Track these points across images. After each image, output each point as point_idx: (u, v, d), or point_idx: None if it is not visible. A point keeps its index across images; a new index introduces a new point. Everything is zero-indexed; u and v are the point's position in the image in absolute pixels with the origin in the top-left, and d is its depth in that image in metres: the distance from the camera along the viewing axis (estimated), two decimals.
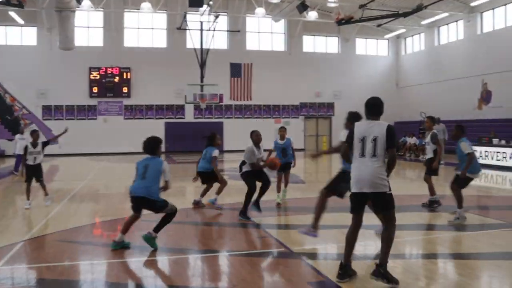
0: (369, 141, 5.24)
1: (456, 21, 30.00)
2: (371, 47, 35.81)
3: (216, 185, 10.18)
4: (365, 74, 34.79)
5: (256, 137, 9.12)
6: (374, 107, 5.65)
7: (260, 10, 28.39)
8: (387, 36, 34.94)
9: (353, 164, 5.37)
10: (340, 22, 25.81)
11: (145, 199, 6.68)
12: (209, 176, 10.08)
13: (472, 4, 27.01)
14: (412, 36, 34.73)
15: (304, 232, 6.76)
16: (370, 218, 5.95)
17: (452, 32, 30.80)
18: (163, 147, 29.83)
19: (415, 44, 34.75)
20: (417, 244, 7.24)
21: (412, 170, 19.85)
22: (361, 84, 34.16)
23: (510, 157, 18.87)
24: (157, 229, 6.78)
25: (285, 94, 32.98)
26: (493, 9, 27.11)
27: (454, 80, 29.36)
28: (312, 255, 6.48)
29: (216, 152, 9.93)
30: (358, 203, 5.30)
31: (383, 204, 5.23)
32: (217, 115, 32.39)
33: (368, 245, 6.97)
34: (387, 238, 5.23)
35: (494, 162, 19.43)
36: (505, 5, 26.05)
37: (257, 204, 8.98)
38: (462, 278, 5.45)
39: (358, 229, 5.40)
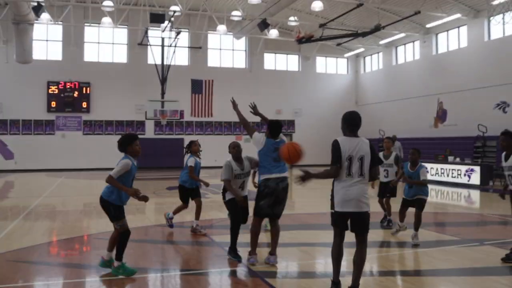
0: (356, 160, 5.13)
1: (413, 41, 30.87)
2: (331, 65, 36.44)
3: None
4: (325, 91, 35.37)
5: (233, 149, 7.45)
6: (357, 122, 5.33)
7: (221, 28, 28.54)
8: (346, 55, 35.65)
9: (338, 184, 5.27)
10: (300, 41, 26.11)
11: (101, 201, 6.24)
12: (187, 192, 9.22)
13: (428, 25, 27.86)
14: (370, 55, 35.51)
15: (249, 262, 6.67)
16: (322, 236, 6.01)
17: (409, 52, 31.66)
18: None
19: (373, 63, 35.53)
20: (375, 261, 7.34)
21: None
22: (321, 102, 34.78)
23: (465, 174, 19.43)
24: (118, 255, 6.20)
25: (246, 111, 33.02)
26: (447, 31, 28.02)
27: (411, 99, 30.12)
28: (271, 274, 6.47)
29: (191, 161, 9.09)
30: (342, 222, 5.22)
31: (363, 224, 5.18)
32: (178, 131, 32.22)
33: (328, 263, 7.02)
34: (360, 259, 5.19)
35: (449, 179, 19.96)
36: (458, 27, 26.98)
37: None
38: None
39: (342, 243, 5.30)
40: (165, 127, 31.40)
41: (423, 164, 8.47)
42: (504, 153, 7.17)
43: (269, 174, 6.65)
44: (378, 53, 34.56)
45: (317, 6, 24.50)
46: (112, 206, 6.13)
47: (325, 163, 32.15)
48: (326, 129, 34.37)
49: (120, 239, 6.20)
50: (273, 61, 34.83)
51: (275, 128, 6.96)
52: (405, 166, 8.74)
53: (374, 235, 9.12)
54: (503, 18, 23.10)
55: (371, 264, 7.20)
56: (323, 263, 6.92)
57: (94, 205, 13.74)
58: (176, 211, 9.39)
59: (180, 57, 31.04)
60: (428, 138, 27.82)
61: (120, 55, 31.43)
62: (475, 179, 19.02)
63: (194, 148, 9.22)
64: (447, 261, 7.04)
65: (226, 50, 33.64)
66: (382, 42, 31.56)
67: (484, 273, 6.58)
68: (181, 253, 8.07)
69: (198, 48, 32.24)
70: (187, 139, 31.94)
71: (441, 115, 28.11)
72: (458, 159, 20.88)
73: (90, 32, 30.82)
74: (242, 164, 7.29)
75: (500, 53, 24.27)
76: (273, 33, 29.58)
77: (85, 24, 30.10)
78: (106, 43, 31.24)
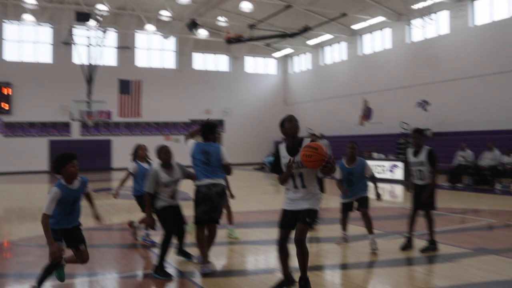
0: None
1: (339, 42, 31.70)
2: (260, 66, 36.80)
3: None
4: (254, 91, 35.70)
5: (164, 155, 6.76)
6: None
7: (150, 27, 28.15)
8: (275, 55, 36.11)
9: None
10: (229, 41, 26.21)
11: None
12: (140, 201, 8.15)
13: (353, 27, 28.71)
14: (299, 55, 36.14)
15: (203, 271, 6.26)
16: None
17: (336, 53, 32.49)
18: (46, 166, 28.32)
19: (302, 63, 36.18)
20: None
21: None
22: (251, 101, 35.08)
23: (389, 170, 20.16)
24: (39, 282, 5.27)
25: (175, 111, 32.87)
26: (371, 32, 28.99)
27: (338, 98, 30.94)
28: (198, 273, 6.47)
29: (132, 167, 8.27)
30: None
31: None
32: (105, 132, 31.48)
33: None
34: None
35: (387, 176, 20.52)
36: (381, 29, 27.97)
37: (183, 252, 7.01)
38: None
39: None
40: (91, 128, 30.60)
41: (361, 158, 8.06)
42: (413, 150, 7.55)
43: (200, 180, 6.46)
44: (306, 53, 35.23)
45: (246, 7, 24.66)
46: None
47: (255, 161, 32.43)
48: (255, 129, 34.80)
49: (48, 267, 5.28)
50: (203, 61, 34.74)
51: (205, 130, 6.73)
52: (340, 163, 7.90)
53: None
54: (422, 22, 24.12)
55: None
56: (253, 261, 6.99)
57: (16, 211, 13.21)
58: (141, 221, 8.27)
59: (107, 57, 30.32)
60: (355, 136, 28.60)
61: (44, 54, 30.28)
62: (399, 174, 19.81)
63: (140, 153, 8.34)
64: (369, 254, 7.30)
65: (155, 50, 33.19)
66: (310, 42, 32.22)
67: (404, 264, 6.90)
68: (108, 256, 7.90)
69: (126, 48, 31.62)
70: (114, 140, 31.33)
71: (367, 114, 29.06)
72: (382, 156, 21.66)
73: (10, 29, 29.49)
74: (171, 171, 6.69)
75: (421, 54, 25.40)
76: (203, 33, 29.50)
77: (4, 20, 28.81)
78: (28, 41, 30.01)
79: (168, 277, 6.13)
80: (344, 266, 7.01)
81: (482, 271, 6.26)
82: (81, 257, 5.49)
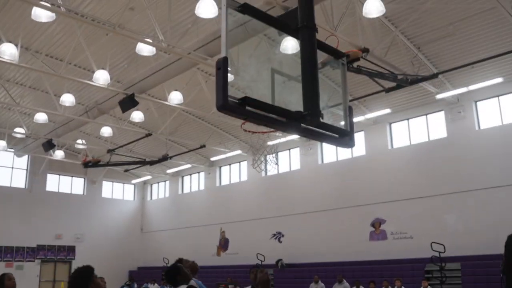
0: None
1: (198, 172, 32.40)
2: (118, 191, 36.00)
3: None
4: (110, 217, 34.45)
5: (9, 281, 6.34)
6: None
7: (1, 143, 26.63)
8: (134, 181, 35.70)
9: None
10: (86, 164, 25.62)
11: None
12: None
13: (212, 159, 29.71)
14: (158, 183, 36.12)
15: None
16: None
17: (195, 182, 33.03)
18: None
19: (160, 190, 36.09)
20: None
21: None
22: (106, 227, 33.68)
23: None
24: None
25: (21, 235, 30.22)
26: (229, 164, 30.16)
27: (195, 228, 30.91)
28: None
29: None
30: None
31: None
32: None
33: None
34: None
35: None
36: (239, 162, 29.24)
37: None
38: None
39: None
40: None
41: None
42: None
43: None
44: (165, 181, 35.34)
45: (106, 132, 24.52)
46: None
47: None
48: (110, 256, 33.04)
49: None
50: (57, 183, 33.11)
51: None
52: None
53: None
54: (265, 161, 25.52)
55: None
56: None
57: None
58: None
59: None
60: (211, 266, 28.41)
61: None
62: None
63: (7, 284, 6.81)
64: None
65: (4, 168, 31.06)
66: (170, 171, 32.51)
67: None
68: None
69: None
70: None
71: (224, 244, 29.21)
72: None
73: None
74: None
75: (276, 188, 26.75)
76: (59, 154, 28.46)
77: None
78: None
79: None
80: None
81: None
82: None
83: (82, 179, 34.07)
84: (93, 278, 4.51)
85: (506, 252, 2.76)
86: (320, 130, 4.54)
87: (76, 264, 31.82)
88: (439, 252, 18.10)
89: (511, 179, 18.26)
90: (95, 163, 26.17)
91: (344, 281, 18.09)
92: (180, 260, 7.80)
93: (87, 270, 4.55)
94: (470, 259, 18.69)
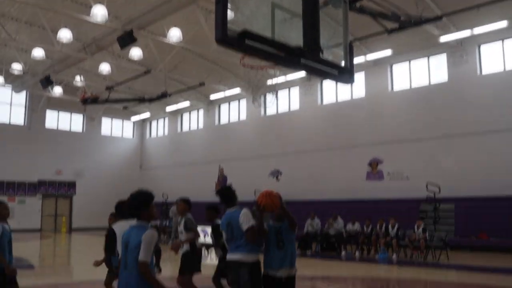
0: None
1: (197, 110, 32.39)
2: (117, 128, 36.13)
3: None
4: (109, 154, 34.75)
5: (4, 210, 6.27)
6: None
7: None
8: (133, 118, 35.74)
9: None
10: (85, 101, 25.49)
11: None
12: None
13: (211, 97, 29.58)
14: (157, 120, 36.18)
15: None
16: None
17: (194, 120, 33.07)
18: None
19: (159, 128, 36.21)
20: None
21: None
22: (105, 164, 34.03)
23: None
24: None
25: (22, 171, 30.62)
26: (228, 103, 30.10)
27: (194, 165, 31.21)
28: None
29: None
30: None
31: None
32: None
33: None
34: None
35: None
36: (238, 100, 29.18)
37: None
38: None
39: None
40: None
41: None
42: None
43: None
44: (164, 119, 35.38)
45: (105, 69, 24.32)
46: None
47: (107, 227, 30.41)
48: (109, 193, 33.38)
49: None
50: (56, 120, 33.18)
51: (222, 197, 6.15)
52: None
53: None
54: (264, 100, 25.45)
55: None
56: None
57: None
58: None
59: None
60: (210, 202, 28.89)
61: None
62: None
63: (3, 213, 6.49)
64: None
65: (2, 104, 31.05)
66: (169, 109, 32.46)
67: None
68: None
69: None
70: None
71: (222, 181, 29.57)
72: None
73: None
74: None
75: (274, 127, 26.83)
76: (57, 91, 28.38)
77: None
78: None
79: None
80: None
81: None
82: None
83: (81, 116, 34.10)
84: (152, 204, 4.46)
85: None
86: (320, 66, 4.51)
87: (77, 199, 32.60)
88: (434, 193, 18.38)
89: (507, 124, 18.35)
90: (94, 100, 26.02)
91: (339, 218, 18.40)
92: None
93: (149, 195, 4.50)
94: (463, 201, 19.02)
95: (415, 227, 16.14)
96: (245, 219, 5.67)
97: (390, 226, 16.80)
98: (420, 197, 19.30)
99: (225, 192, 6.12)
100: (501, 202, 17.94)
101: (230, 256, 5.79)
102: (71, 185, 32.73)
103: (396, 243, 16.28)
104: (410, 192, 20.48)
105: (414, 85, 21.82)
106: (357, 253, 17.08)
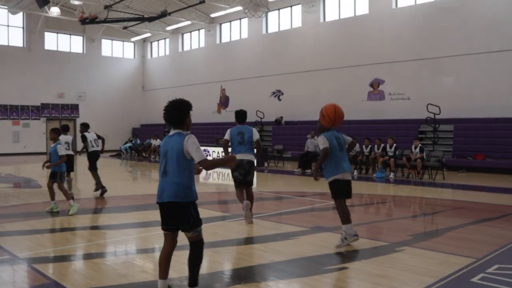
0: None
1: (198, 29, 31.82)
2: (118, 49, 35.70)
3: None
4: (111, 75, 34.58)
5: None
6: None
7: None
8: (133, 39, 35.21)
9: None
10: (84, 21, 25.10)
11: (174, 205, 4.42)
12: None
13: (212, 15, 28.95)
14: (157, 40, 35.68)
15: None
16: None
17: (195, 40, 32.58)
18: None
19: (160, 48, 35.78)
20: (147, 240, 7.48)
21: (157, 171, 20.30)
22: (107, 86, 33.97)
23: None
24: (193, 281, 4.54)
25: (25, 94, 30.66)
26: (230, 21, 29.50)
27: (196, 85, 31.12)
28: (38, 260, 6.20)
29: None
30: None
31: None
32: None
33: None
34: None
35: None
36: (240, 19, 28.56)
37: None
38: (180, 265, 5.83)
39: None
40: None
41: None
42: None
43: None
44: (165, 39, 34.89)
45: None
46: (193, 206, 4.48)
47: (111, 148, 31.24)
48: (112, 114, 33.86)
49: (196, 252, 4.56)
50: (55, 41, 32.75)
51: (239, 116, 8.70)
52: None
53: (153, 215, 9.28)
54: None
55: (148, 243, 7.32)
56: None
57: None
58: None
59: None
60: (212, 123, 29.13)
61: None
62: None
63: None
64: (215, 235, 7.51)
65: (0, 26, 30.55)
66: (169, 28, 31.89)
67: (248, 243, 7.20)
68: None
69: None
70: None
71: (224, 102, 29.62)
72: None
73: None
74: None
75: (276, 46, 26.43)
76: (55, 11, 27.81)
77: None
78: None
79: None
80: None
81: (315, 246, 6.76)
82: None
83: (81, 37, 33.62)
84: (189, 113, 4.53)
85: None
86: None
87: (81, 121, 32.60)
88: (434, 114, 18.36)
89: (508, 45, 17.99)
90: (93, 20, 25.65)
91: (316, 137, 18.36)
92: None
93: (187, 104, 4.51)
94: (462, 122, 19.03)
95: (412, 146, 16.27)
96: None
97: (388, 146, 16.94)
98: (420, 117, 19.32)
99: (241, 113, 8.76)
100: (500, 124, 17.96)
101: (242, 157, 8.15)
102: (74, 108, 32.80)
103: (394, 163, 16.47)
104: (410, 113, 20.50)
105: (418, 2, 21.18)
106: (355, 172, 17.31)
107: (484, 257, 6.10)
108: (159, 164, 4.59)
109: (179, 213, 4.37)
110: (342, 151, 6.78)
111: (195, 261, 4.52)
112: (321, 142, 6.71)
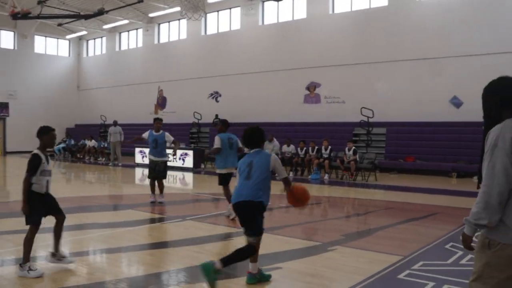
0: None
1: (136, 29, 31.36)
2: (52, 46, 34.59)
3: None
4: (45, 73, 33.43)
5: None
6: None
7: None
8: (68, 36, 34.23)
9: None
10: (15, 16, 24.16)
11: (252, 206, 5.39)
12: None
13: (151, 15, 28.61)
14: (94, 39, 34.87)
15: None
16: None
17: (132, 39, 32.10)
18: None
19: (97, 47, 34.99)
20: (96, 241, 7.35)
21: (91, 173, 19.88)
22: (40, 84, 32.84)
23: (180, 158, 20.60)
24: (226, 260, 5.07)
25: None
26: (169, 22, 29.26)
27: (133, 85, 30.65)
28: None
29: None
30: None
31: None
32: None
33: None
34: None
35: (178, 164, 20.70)
36: (178, 20, 28.35)
37: None
38: (115, 268, 5.78)
39: None
40: None
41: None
42: None
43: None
44: (101, 37, 34.15)
45: None
46: (263, 209, 5.51)
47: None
48: (45, 114, 32.55)
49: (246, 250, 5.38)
50: None
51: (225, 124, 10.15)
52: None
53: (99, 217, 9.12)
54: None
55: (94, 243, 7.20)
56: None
57: None
58: None
59: None
60: (149, 124, 28.60)
61: None
62: (189, 162, 20.45)
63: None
64: (150, 237, 7.47)
65: None
66: (106, 26, 31.24)
67: (182, 244, 7.20)
68: None
69: None
70: None
71: (161, 102, 29.34)
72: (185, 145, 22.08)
73: None
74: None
75: (215, 47, 26.45)
76: None
77: None
78: None
79: None
80: (117, 250, 7.03)
81: None
82: None
83: (12, 33, 32.32)
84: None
85: (482, 102, 2.98)
86: None
87: (11, 120, 31.48)
88: (368, 117, 18.95)
89: (441, 51, 18.84)
90: (25, 15, 24.70)
91: (274, 140, 18.64)
92: None
93: (263, 132, 5.68)
94: (394, 125, 19.77)
95: (346, 149, 16.72)
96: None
97: (323, 148, 17.33)
98: (354, 121, 19.88)
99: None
100: (429, 128, 18.77)
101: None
102: (4, 106, 31.36)
103: (328, 165, 16.87)
104: (345, 116, 21.06)
105: (354, 8, 21.80)
106: (291, 174, 17.60)
107: (411, 255, 6.41)
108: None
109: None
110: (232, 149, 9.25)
111: (241, 252, 5.26)
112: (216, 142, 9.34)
